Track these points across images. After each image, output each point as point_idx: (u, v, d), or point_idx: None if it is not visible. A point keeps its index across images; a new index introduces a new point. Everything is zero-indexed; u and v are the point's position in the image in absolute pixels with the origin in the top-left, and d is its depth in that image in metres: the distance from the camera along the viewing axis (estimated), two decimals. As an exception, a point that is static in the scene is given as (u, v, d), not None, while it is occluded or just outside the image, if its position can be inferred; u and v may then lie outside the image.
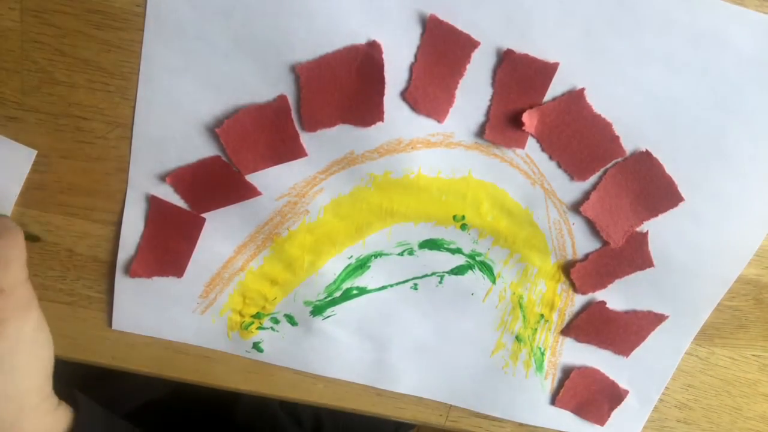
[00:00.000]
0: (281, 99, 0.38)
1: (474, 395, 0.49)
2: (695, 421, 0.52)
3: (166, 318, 0.44)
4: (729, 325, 0.48)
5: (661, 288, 0.45)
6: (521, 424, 0.51)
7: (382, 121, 0.38)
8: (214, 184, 0.40)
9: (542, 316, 0.46)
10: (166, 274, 0.43)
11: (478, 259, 0.43)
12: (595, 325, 0.46)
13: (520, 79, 0.38)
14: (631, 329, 0.46)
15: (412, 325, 0.46)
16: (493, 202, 0.42)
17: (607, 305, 0.45)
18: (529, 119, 0.38)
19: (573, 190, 0.41)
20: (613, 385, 0.49)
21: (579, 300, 0.46)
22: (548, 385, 0.49)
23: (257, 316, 0.45)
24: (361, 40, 0.36)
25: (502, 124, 0.39)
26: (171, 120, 0.38)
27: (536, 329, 0.46)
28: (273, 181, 0.40)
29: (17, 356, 0.36)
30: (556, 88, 0.38)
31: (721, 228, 0.42)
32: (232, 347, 0.46)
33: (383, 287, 0.44)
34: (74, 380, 0.47)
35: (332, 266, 0.43)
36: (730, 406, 0.52)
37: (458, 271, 0.44)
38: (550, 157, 0.40)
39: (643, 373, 0.49)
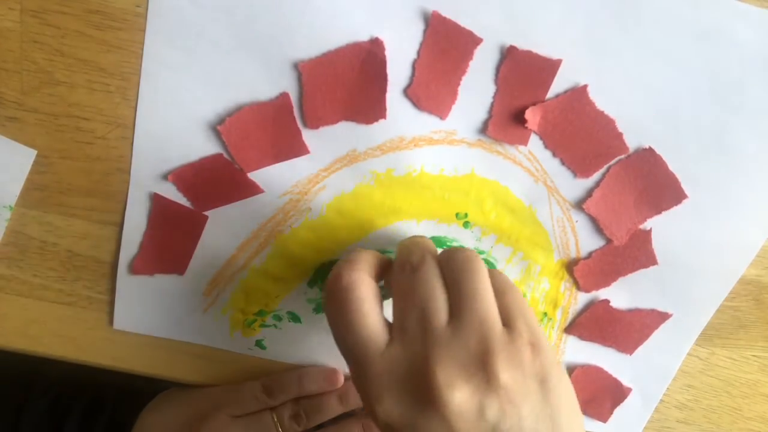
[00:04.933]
0: (283, 96, 0.37)
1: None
2: (695, 421, 0.52)
3: (168, 316, 0.44)
4: (729, 325, 0.48)
5: (664, 286, 0.45)
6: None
7: (385, 118, 0.38)
8: (216, 181, 0.40)
9: (545, 314, 0.46)
10: (168, 272, 0.43)
11: (481, 257, 0.43)
12: (598, 324, 0.46)
13: (523, 75, 0.37)
14: (635, 327, 0.46)
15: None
16: (495, 199, 0.42)
17: (611, 303, 0.45)
18: (531, 116, 0.38)
19: (576, 187, 0.41)
20: (616, 383, 0.48)
21: (582, 298, 0.46)
22: (552, 383, 0.49)
23: (260, 313, 0.45)
24: (364, 37, 0.36)
25: (505, 121, 0.39)
26: (173, 117, 0.38)
27: (539, 327, 0.46)
28: (275, 178, 0.40)
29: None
30: (559, 85, 0.38)
31: (725, 225, 0.42)
32: (235, 345, 0.46)
33: (386, 285, 0.44)
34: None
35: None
36: (730, 406, 0.52)
37: (461, 269, 0.44)
38: (553, 154, 0.40)
39: (646, 371, 0.48)
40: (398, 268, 0.34)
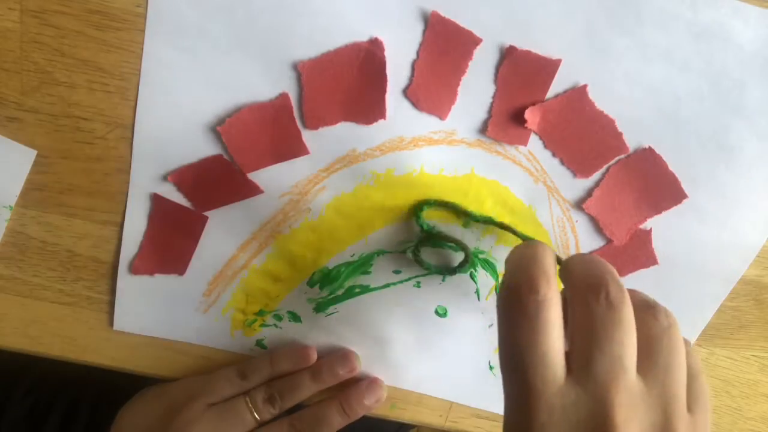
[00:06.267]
0: (283, 97, 0.37)
1: (476, 392, 0.49)
2: (696, 421, 0.52)
3: (169, 317, 0.44)
4: (729, 325, 0.48)
5: (665, 286, 0.45)
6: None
7: (384, 118, 0.38)
8: (216, 182, 0.40)
9: (545, 314, 0.46)
10: (168, 272, 0.43)
11: (480, 256, 0.43)
12: (598, 323, 0.46)
13: (523, 75, 0.37)
14: (635, 327, 0.46)
15: (414, 323, 0.46)
16: (495, 199, 0.42)
17: (611, 303, 0.45)
18: (531, 116, 0.38)
19: (576, 187, 0.41)
20: (616, 384, 0.48)
21: (582, 298, 0.46)
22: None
23: (260, 313, 0.45)
24: (363, 38, 0.36)
25: (505, 121, 0.39)
26: (173, 118, 0.38)
27: (539, 327, 0.46)
28: (275, 179, 0.40)
29: None
30: (558, 85, 0.38)
31: (725, 225, 0.42)
32: (235, 345, 0.46)
33: (386, 285, 0.44)
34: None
35: (335, 264, 0.43)
36: (731, 406, 0.52)
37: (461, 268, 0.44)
38: (553, 154, 0.40)
39: (646, 372, 0.48)
40: (589, 292, 0.29)
